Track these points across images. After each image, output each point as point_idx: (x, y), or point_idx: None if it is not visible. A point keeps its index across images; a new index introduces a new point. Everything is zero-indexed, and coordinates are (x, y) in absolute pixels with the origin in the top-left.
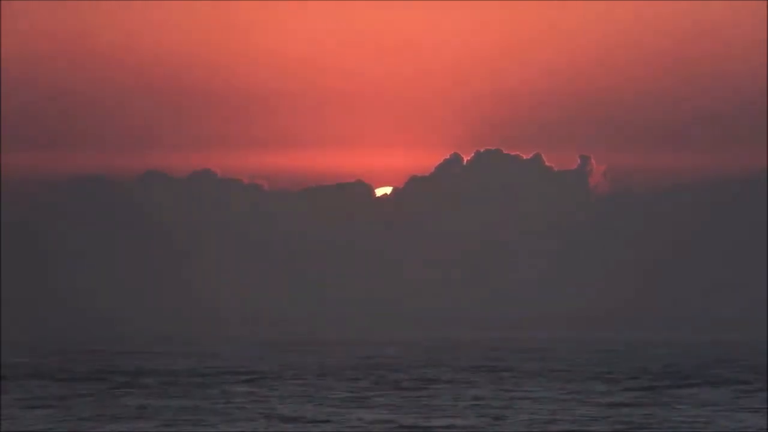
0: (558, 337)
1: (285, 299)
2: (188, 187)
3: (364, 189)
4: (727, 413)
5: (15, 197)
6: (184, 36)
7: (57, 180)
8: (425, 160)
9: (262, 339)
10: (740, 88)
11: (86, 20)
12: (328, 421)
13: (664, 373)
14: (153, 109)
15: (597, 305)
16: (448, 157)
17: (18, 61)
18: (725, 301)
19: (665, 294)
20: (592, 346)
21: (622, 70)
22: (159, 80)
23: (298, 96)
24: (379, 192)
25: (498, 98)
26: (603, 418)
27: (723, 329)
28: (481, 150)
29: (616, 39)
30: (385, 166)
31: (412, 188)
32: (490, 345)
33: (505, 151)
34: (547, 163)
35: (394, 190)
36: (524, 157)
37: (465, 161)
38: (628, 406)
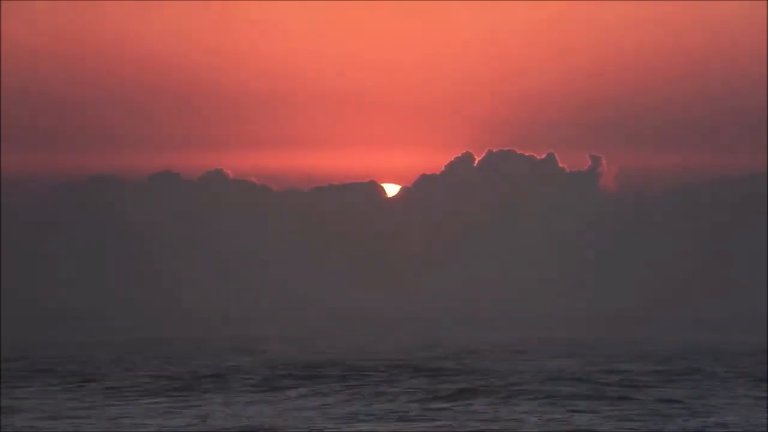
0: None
1: (292, 300)
2: (199, 189)
3: (374, 188)
4: None
5: (18, 198)
6: (194, 36)
7: (63, 180)
8: (436, 159)
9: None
10: (748, 88)
11: (90, 20)
12: None
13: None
14: (161, 109)
15: (603, 306)
16: (459, 155)
17: (20, 61)
18: (740, 301)
19: (676, 294)
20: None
21: (635, 70)
22: (168, 80)
23: (308, 96)
24: (389, 191)
25: (511, 98)
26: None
27: (739, 330)
28: (494, 150)
29: (628, 40)
30: (395, 165)
31: (422, 187)
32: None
33: (518, 151)
34: (560, 164)
35: (403, 189)
36: (537, 158)
37: (477, 161)
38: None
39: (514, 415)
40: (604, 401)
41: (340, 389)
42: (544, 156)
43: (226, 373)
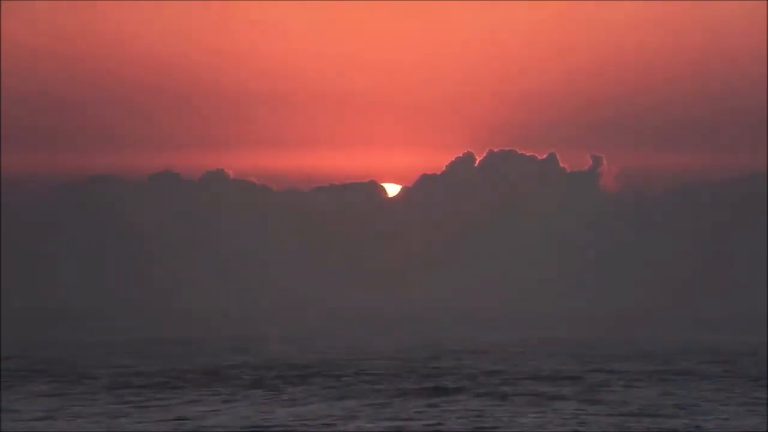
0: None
1: (292, 300)
2: (199, 189)
3: (374, 188)
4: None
5: (18, 198)
6: (194, 36)
7: (63, 180)
8: (437, 159)
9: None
10: (748, 88)
11: (90, 20)
12: None
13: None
14: (161, 109)
15: (603, 306)
16: (460, 155)
17: (20, 61)
18: (740, 301)
19: (676, 294)
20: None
21: (635, 70)
22: (168, 80)
23: (308, 96)
24: (389, 190)
25: (512, 98)
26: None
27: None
28: (495, 150)
29: (628, 40)
30: (396, 165)
31: (423, 187)
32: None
33: (519, 151)
34: (561, 164)
35: (403, 189)
36: (539, 158)
37: (478, 161)
38: None
39: (505, 413)
40: (601, 401)
41: (334, 389)
42: (545, 156)
43: (223, 372)
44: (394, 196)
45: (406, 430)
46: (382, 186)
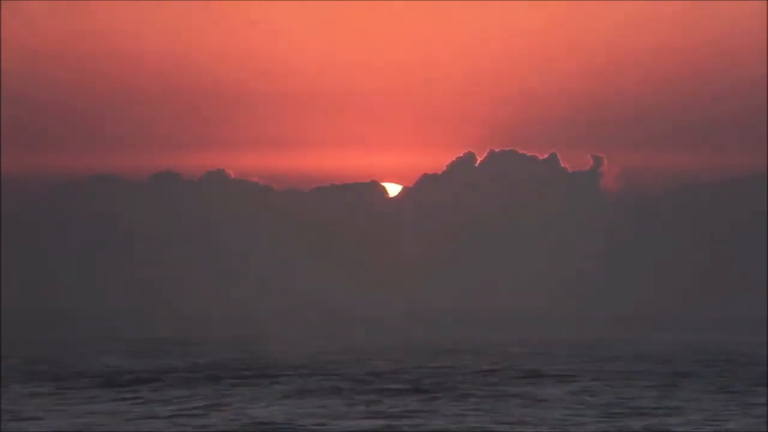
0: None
1: (292, 300)
2: (199, 189)
3: (375, 188)
4: None
5: (18, 198)
6: (194, 36)
7: (63, 180)
8: (438, 158)
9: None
10: (748, 88)
11: (90, 21)
12: None
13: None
14: (161, 109)
15: (604, 306)
16: (461, 155)
17: (20, 62)
18: (741, 301)
19: (677, 295)
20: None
21: (636, 71)
22: (168, 81)
23: (309, 96)
24: (390, 190)
25: (513, 98)
26: None
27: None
28: (496, 150)
29: (629, 41)
30: (397, 164)
31: (424, 187)
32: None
33: (520, 151)
34: (562, 164)
35: (404, 189)
36: (540, 158)
37: (478, 161)
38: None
39: (504, 413)
40: (600, 402)
41: (331, 388)
42: (546, 156)
43: (221, 372)
44: (395, 196)
45: (402, 429)
46: (383, 186)
